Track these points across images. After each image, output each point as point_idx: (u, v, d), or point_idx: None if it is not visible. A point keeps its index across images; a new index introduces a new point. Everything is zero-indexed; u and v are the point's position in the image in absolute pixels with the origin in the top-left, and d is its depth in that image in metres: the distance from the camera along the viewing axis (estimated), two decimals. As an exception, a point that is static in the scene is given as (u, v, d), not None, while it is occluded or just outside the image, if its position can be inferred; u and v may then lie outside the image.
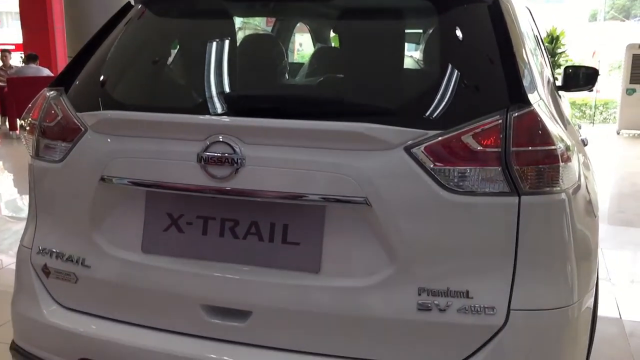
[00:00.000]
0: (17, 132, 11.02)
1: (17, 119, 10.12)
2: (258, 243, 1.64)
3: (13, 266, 2.01)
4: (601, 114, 15.13)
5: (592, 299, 1.81)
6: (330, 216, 1.59)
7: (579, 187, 1.66)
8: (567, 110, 2.43)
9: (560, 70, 3.82)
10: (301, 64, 3.29)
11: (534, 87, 1.65)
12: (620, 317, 3.53)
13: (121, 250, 1.75)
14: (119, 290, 1.76)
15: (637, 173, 8.29)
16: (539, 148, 1.51)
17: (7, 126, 11.63)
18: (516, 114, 1.50)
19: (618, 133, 10.99)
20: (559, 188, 1.54)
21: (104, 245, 1.76)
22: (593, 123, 14.07)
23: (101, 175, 1.70)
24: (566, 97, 3.29)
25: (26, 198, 1.99)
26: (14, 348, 1.92)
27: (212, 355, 1.65)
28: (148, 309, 1.73)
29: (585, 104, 14.94)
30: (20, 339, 1.91)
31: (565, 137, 1.63)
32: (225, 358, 1.64)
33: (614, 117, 12.69)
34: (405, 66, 2.10)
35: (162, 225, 1.71)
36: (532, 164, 1.50)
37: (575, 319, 1.60)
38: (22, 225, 2.03)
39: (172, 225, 1.70)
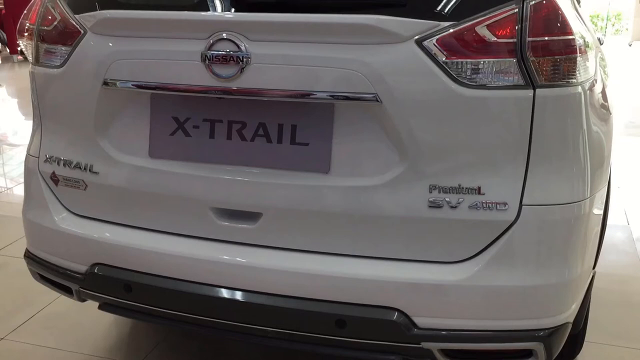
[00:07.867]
0: (19, 57, 10.88)
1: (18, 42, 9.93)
2: (266, 145, 1.61)
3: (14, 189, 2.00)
4: (613, 25, 14.74)
5: (604, 197, 1.79)
6: (339, 115, 1.55)
7: (595, 82, 1.61)
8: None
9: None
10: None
11: None
12: (628, 224, 3.55)
13: (128, 156, 1.73)
14: (128, 196, 1.75)
15: (649, 85, 8.15)
16: (556, 38, 1.45)
17: (8, 50, 11.44)
18: (533, 2, 1.44)
19: (630, 45, 10.75)
20: (575, 81, 1.49)
21: (111, 151, 1.74)
22: (605, 35, 13.77)
23: (104, 79, 1.66)
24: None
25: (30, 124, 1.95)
26: (28, 256, 1.94)
27: (223, 257, 1.66)
28: (158, 213, 1.73)
29: (597, 16, 14.54)
30: (33, 247, 1.93)
31: (583, 30, 1.57)
32: (236, 259, 1.65)
33: (626, 29, 12.38)
34: None
35: (168, 129, 1.68)
36: (549, 55, 1.44)
37: (587, 215, 1.58)
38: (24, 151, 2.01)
39: (178, 129, 1.68)
